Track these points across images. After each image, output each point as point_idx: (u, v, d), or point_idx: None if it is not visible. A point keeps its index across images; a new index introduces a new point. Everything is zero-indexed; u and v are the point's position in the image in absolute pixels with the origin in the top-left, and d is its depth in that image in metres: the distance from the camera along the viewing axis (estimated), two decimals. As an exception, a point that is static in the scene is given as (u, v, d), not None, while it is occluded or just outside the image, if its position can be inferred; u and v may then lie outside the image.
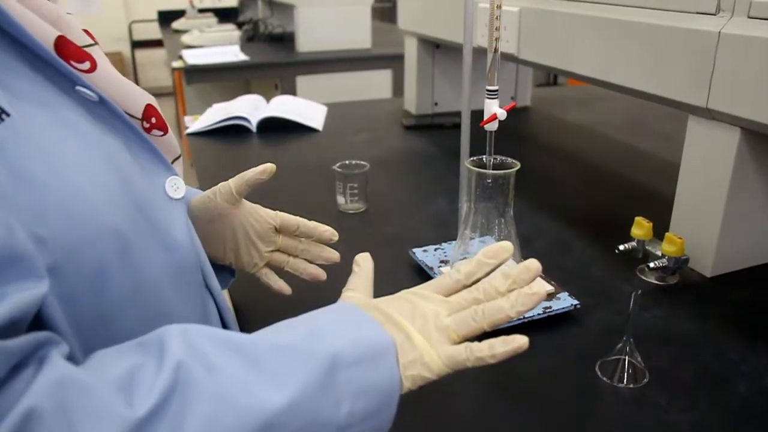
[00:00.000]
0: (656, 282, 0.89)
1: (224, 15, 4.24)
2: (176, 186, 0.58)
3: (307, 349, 0.45)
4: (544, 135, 1.70)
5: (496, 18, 0.77)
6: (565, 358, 0.74)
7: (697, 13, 0.85)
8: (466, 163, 0.80)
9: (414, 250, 0.95)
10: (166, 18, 4.44)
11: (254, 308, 0.84)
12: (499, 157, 0.79)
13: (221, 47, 3.04)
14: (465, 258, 0.83)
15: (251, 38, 3.37)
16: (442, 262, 0.91)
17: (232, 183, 0.70)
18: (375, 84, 2.85)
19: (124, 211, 0.49)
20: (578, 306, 0.80)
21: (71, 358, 0.41)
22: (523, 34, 1.20)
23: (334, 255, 0.77)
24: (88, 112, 0.50)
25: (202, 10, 4.16)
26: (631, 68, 0.96)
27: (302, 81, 2.75)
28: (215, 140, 1.59)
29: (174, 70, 2.96)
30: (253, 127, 1.64)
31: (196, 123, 1.67)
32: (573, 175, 1.35)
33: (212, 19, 4.00)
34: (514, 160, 0.79)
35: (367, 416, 0.45)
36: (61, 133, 0.46)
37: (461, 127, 0.90)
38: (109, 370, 0.40)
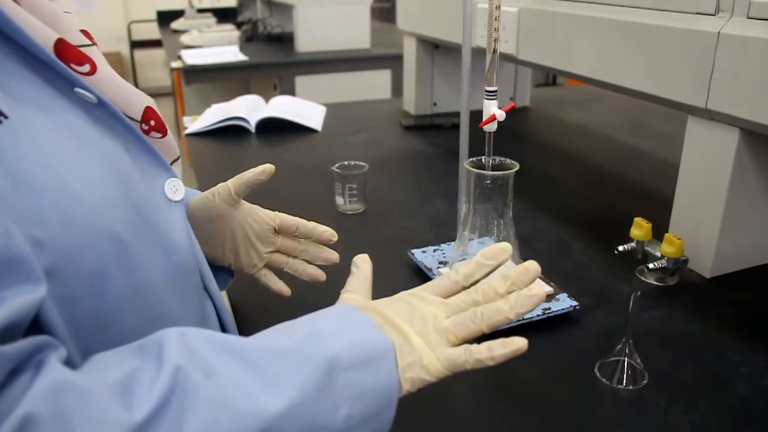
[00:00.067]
0: (655, 283, 0.89)
1: (223, 15, 4.24)
2: (175, 188, 0.58)
3: (305, 353, 0.44)
4: (543, 135, 1.70)
5: (495, 18, 0.77)
6: (565, 359, 0.73)
7: (697, 13, 0.85)
8: (465, 164, 0.80)
9: (413, 251, 0.95)
10: (165, 18, 4.43)
11: (253, 310, 0.84)
12: (498, 158, 0.79)
13: (220, 47, 3.04)
14: (464, 259, 0.83)
15: (250, 38, 3.37)
16: (440, 263, 0.91)
17: (231, 184, 0.70)
18: (374, 84, 2.85)
19: (123, 214, 0.48)
20: (577, 307, 0.80)
21: (69, 362, 0.41)
22: (522, 35, 1.20)
23: (334, 256, 0.76)
24: (87, 114, 0.50)
25: (201, 11, 4.15)
26: (631, 69, 0.96)
27: (301, 81, 2.75)
28: (214, 141, 1.59)
29: (173, 70, 2.96)
30: (252, 127, 1.64)
31: (195, 123, 1.67)
32: (572, 176, 1.35)
33: (211, 20, 3.99)
34: (513, 161, 0.78)
35: (366, 419, 0.45)
36: (60, 136, 0.46)
37: (460, 127, 0.90)
38: (108, 375, 0.40)
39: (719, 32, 0.80)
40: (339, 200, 1.14)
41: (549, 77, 4.49)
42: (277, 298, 0.77)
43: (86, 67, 0.51)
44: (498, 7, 0.77)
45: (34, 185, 0.42)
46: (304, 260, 0.76)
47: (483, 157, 0.80)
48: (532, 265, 0.50)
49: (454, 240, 0.89)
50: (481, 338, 0.48)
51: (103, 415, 0.36)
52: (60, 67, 0.48)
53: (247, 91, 2.47)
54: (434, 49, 1.74)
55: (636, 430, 0.63)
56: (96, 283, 0.45)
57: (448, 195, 1.20)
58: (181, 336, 0.43)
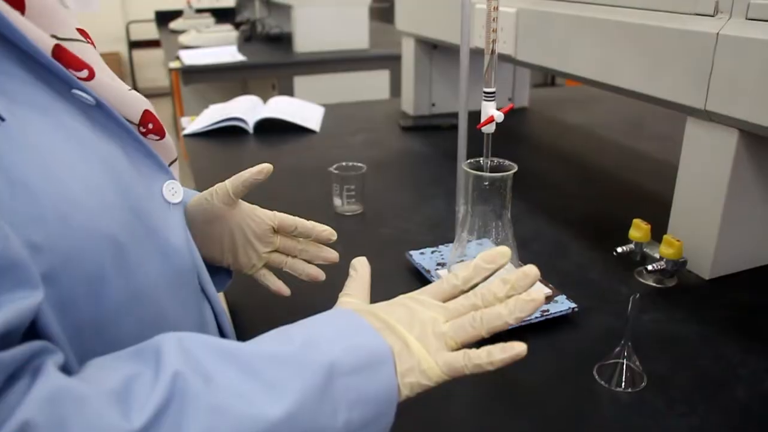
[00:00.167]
0: (654, 284, 0.89)
1: (222, 15, 4.23)
2: (174, 190, 0.58)
3: (304, 358, 0.44)
4: (542, 136, 1.70)
5: (493, 20, 0.77)
6: (563, 361, 0.73)
7: (695, 14, 0.84)
8: (464, 165, 0.79)
9: (411, 252, 0.95)
10: (164, 18, 4.42)
11: (251, 312, 0.84)
12: (496, 160, 0.79)
13: (218, 48, 3.04)
14: (462, 261, 0.83)
15: (249, 38, 3.37)
16: (439, 264, 0.91)
17: (229, 184, 0.69)
18: (372, 85, 2.85)
19: (121, 217, 0.48)
20: (576, 309, 0.80)
21: (66, 367, 0.41)
22: (521, 36, 1.19)
23: (333, 255, 0.76)
24: (85, 117, 0.50)
25: (199, 11, 4.14)
26: (629, 69, 0.96)
27: (300, 81, 2.75)
28: (212, 141, 1.58)
29: (171, 70, 2.95)
30: (250, 128, 1.64)
31: (193, 124, 1.67)
32: (570, 177, 1.35)
33: (209, 20, 3.99)
34: (511, 163, 0.78)
35: (365, 424, 0.45)
36: (58, 138, 0.46)
37: (458, 128, 0.90)
38: (105, 381, 0.39)
39: (718, 33, 0.80)
40: (337, 201, 1.14)
41: (548, 77, 4.49)
42: (275, 301, 0.76)
43: (84, 72, 0.51)
44: (496, 8, 0.77)
45: (31, 188, 0.41)
46: (304, 260, 0.76)
47: (481, 159, 0.79)
48: (532, 270, 0.50)
49: (452, 241, 0.89)
50: (479, 342, 0.48)
51: (100, 422, 0.36)
52: (57, 68, 0.47)
53: (246, 92, 2.47)
54: (433, 49, 1.74)
55: (635, 432, 0.63)
56: (94, 287, 0.45)
57: (447, 196, 1.20)
58: (178, 341, 0.42)
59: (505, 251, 0.52)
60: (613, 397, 0.67)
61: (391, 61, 2.78)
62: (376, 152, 1.49)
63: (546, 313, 0.79)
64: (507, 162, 0.79)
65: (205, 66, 2.69)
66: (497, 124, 0.79)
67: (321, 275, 0.76)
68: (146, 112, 0.57)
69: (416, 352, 0.47)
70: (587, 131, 1.71)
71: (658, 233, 0.90)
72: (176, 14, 4.20)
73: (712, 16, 0.82)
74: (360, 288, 0.56)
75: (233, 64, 2.73)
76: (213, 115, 1.70)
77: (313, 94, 2.20)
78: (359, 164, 1.15)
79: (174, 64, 2.77)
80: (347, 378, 0.44)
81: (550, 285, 0.84)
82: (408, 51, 1.77)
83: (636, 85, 0.95)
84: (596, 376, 0.70)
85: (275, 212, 0.74)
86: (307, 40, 2.82)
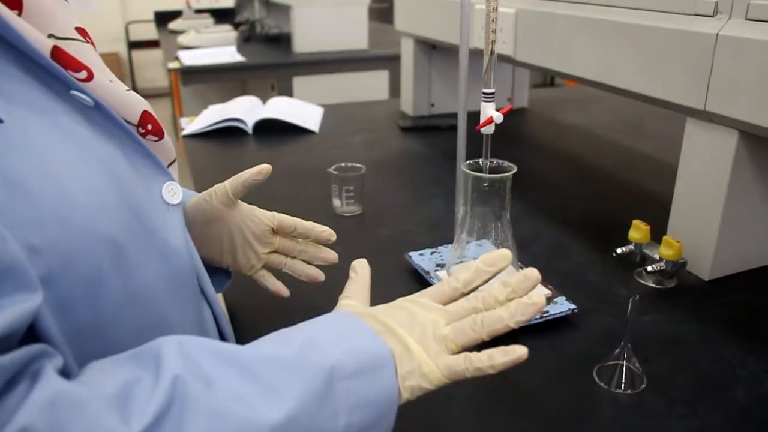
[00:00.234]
0: (654, 285, 0.89)
1: (221, 16, 4.23)
2: (173, 191, 0.58)
3: (304, 362, 0.44)
4: (541, 137, 1.70)
5: (493, 20, 0.77)
6: (563, 363, 0.73)
7: (695, 15, 0.84)
8: (463, 167, 0.79)
9: (410, 253, 0.95)
10: (163, 19, 4.42)
11: (250, 312, 0.83)
12: (495, 160, 0.79)
13: (218, 48, 3.04)
14: (461, 262, 0.83)
15: (248, 39, 3.37)
16: (438, 265, 0.91)
17: (228, 184, 0.69)
18: (372, 85, 2.85)
19: (120, 218, 0.48)
20: (575, 310, 0.80)
21: (65, 369, 0.40)
22: (520, 36, 1.19)
23: (332, 255, 0.76)
24: (84, 118, 0.49)
25: (198, 11, 4.15)
26: (629, 70, 0.95)
27: (299, 82, 2.75)
28: (211, 142, 1.58)
29: (170, 70, 2.95)
30: (249, 128, 1.64)
31: (192, 125, 1.67)
32: (570, 178, 1.35)
33: (209, 20, 3.99)
34: (510, 164, 0.78)
35: (366, 428, 0.45)
36: (56, 139, 0.45)
37: (458, 129, 0.89)
38: (104, 385, 0.39)
39: (718, 34, 0.80)
40: (336, 202, 1.14)
41: (547, 78, 4.49)
42: (275, 301, 0.76)
43: (83, 74, 0.50)
44: (495, 9, 0.77)
45: (30, 190, 0.41)
46: (303, 260, 0.76)
47: (480, 159, 0.79)
48: (533, 273, 0.50)
49: (451, 242, 0.89)
50: (479, 345, 0.48)
51: (100, 427, 0.36)
52: (56, 69, 0.47)
53: (245, 92, 2.47)
54: (432, 50, 1.74)
55: (635, 434, 0.62)
56: (92, 288, 0.45)
57: (446, 196, 1.20)
58: (178, 344, 0.42)
59: (506, 254, 0.51)
60: (613, 398, 0.67)
61: (390, 62, 2.78)
62: (375, 153, 1.49)
63: (545, 315, 0.78)
64: (506, 163, 0.79)
65: (204, 66, 2.69)
66: (496, 124, 0.79)
67: (320, 276, 0.76)
68: (145, 113, 0.57)
69: (417, 355, 0.47)
70: (586, 132, 1.71)
71: (657, 234, 0.90)
72: (175, 15, 4.20)
73: (712, 16, 0.82)
74: (360, 290, 0.56)
75: (232, 64, 2.73)
76: (212, 115, 1.69)
77: (312, 95, 2.20)
78: (358, 165, 1.15)
79: (173, 65, 2.77)
80: (347, 381, 0.44)
81: (550, 286, 0.84)
82: (407, 51, 1.77)
83: (635, 85, 0.95)
84: (596, 378, 0.70)
85: (274, 213, 0.74)
86: (306, 40, 2.82)
